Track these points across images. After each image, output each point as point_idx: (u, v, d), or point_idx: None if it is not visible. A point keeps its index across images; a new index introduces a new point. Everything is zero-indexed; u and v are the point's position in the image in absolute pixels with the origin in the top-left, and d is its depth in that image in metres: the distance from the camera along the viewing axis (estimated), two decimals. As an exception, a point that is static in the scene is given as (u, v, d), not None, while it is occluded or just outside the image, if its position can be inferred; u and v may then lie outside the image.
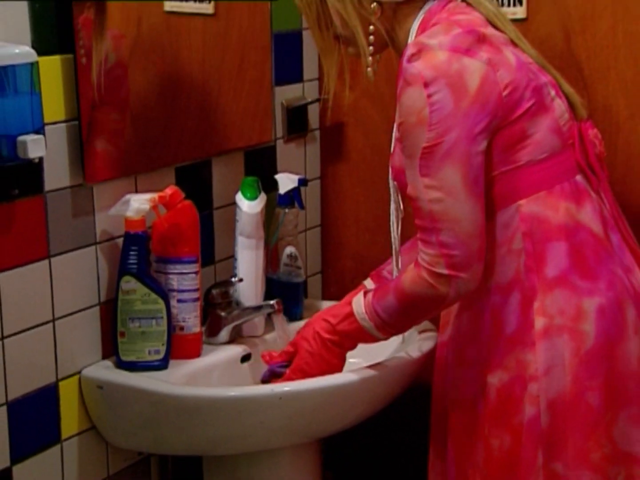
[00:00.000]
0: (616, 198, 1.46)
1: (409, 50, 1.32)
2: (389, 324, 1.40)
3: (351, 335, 1.45)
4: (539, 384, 1.33)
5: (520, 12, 1.71)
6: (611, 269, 1.37)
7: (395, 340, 1.64)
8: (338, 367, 1.49)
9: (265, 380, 1.52)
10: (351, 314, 1.42)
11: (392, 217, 1.49)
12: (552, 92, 1.39)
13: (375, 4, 1.38)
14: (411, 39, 1.39)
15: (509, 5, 1.71)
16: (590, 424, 1.33)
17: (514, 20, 1.57)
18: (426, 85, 1.28)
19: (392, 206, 1.48)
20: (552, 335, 1.33)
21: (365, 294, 1.42)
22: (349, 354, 1.55)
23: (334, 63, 1.47)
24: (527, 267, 1.35)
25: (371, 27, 1.40)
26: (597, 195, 1.41)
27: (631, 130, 1.67)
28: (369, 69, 1.43)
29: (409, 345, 1.62)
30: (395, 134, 1.41)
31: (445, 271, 1.31)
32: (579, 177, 1.39)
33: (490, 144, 1.32)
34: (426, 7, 1.40)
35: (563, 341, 1.33)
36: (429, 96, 1.28)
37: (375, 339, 1.44)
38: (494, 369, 1.37)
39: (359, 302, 1.42)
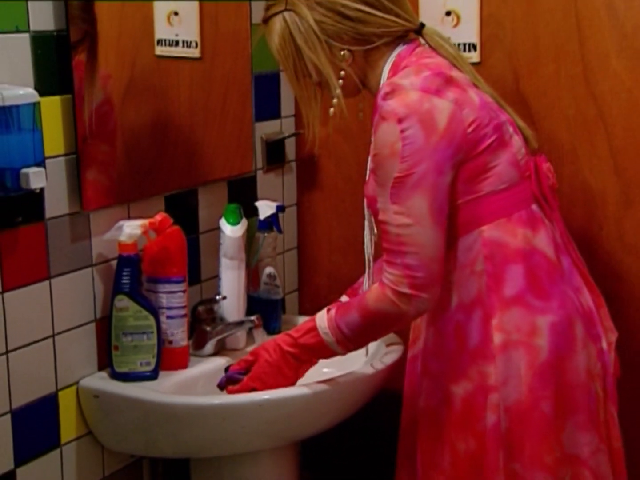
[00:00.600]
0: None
1: (384, 90, 1.33)
2: (350, 338, 1.39)
3: (311, 349, 1.43)
4: (498, 393, 1.35)
5: (474, 56, 1.72)
6: (563, 290, 1.39)
7: (364, 353, 1.64)
8: (292, 380, 1.47)
9: (221, 386, 1.50)
10: (314, 328, 1.41)
11: (366, 240, 1.49)
12: (510, 129, 1.40)
13: (345, 51, 1.39)
14: (383, 80, 1.40)
15: (464, 50, 1.73)
16: (544, 430, 1.35)
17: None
18: (400, 121, 1.30)
19: (366, 229, 1.49)
20: (510, 349, 1.35)
21: (328, 310, 1.41)
22: (323, 363, 1.53)
23: (312, 108, 1.47)
24: (488, 287, 1.36)
25: (342, 73, 1.40)
26: (550, 222, 1.42)
27: (573, 161, 1.70)
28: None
29: (377, 357, 1.63)
30: (369, 164, 1.41)
31: (408, 291, 1.31)
32: (534, 206, 1.40)
33: (455, 176, 1.34)
34: (396, 51, 1.41)
35: (519, 355, 1.35)
36: (402, 131, 1.30)
37: (333, 354, 1.42)
38: (459, 380, 1.38)
39: (322, 317, 1.41)
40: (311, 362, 1.48)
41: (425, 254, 1.31)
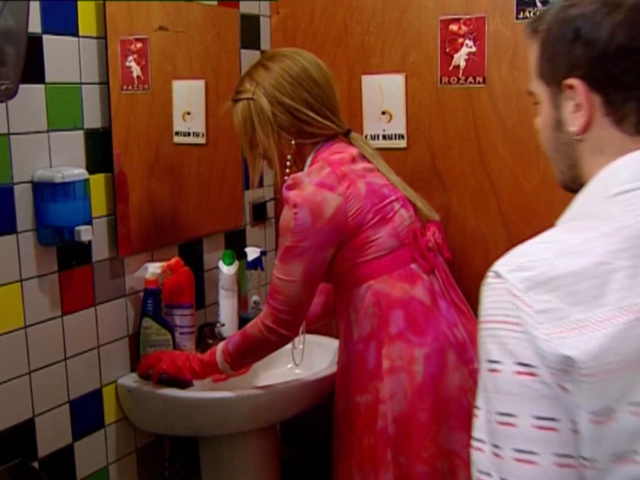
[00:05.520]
0: (459, 272, 1.52)
1: (288, 182, 1.37)
2: (231, 355, 1.45)
3: (207, 365, 1.48)
4: (385, 405, 1.38)
5: (402, 143, 1.82)
6: (437, 327, 1.40)
7: (329, 358, 1.72)
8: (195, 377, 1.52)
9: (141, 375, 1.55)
10: (214, 351, 1.49)
11: None
12: (397, 206, 1.41)
13: (293, 142, 1.43)
14: (306, 166, 1.44)
15: (396, 139, 1.80)
16: (422, 433, 1.38)
17: (398, 149, 1.70)
18: (295, 206, 1.34)
19: None
20: (395, 372, 1.39)
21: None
22: (295, 366, 1.62)
23: (254, 167, 1.49)
24: (378, 326, 1.40)
25: (288, 157, 1.45)
26: (431, 274, 1.43)
27: (474, 218, 1.80)
28: (286, 177, 1.45)
29: (334, 363, 1.63)
30: None
31: (271, 325, 1.39)
32: (413, 265, 1.42)
33: (343, 247, 1.38)
34: (317, 146, 1.44)
35: (402, 377, 1.38)
36: (295, 214, 1.34)
37: (220, 369, 1.46)
38: (362, 392, 1.42)
39: (220, 343, 1.49)
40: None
41: (290, 303, 1.37)
